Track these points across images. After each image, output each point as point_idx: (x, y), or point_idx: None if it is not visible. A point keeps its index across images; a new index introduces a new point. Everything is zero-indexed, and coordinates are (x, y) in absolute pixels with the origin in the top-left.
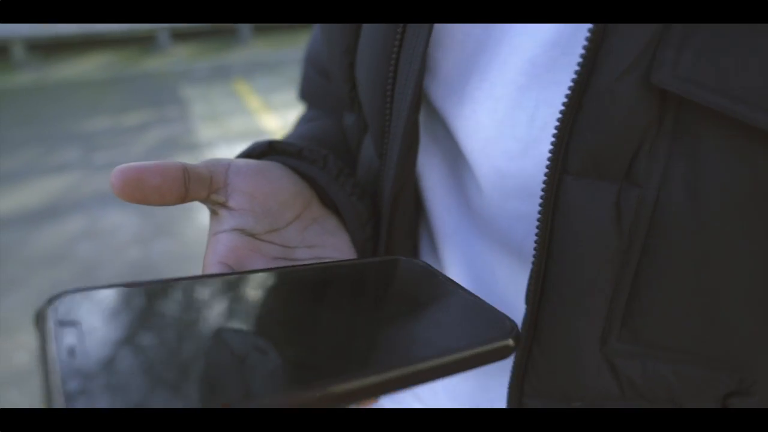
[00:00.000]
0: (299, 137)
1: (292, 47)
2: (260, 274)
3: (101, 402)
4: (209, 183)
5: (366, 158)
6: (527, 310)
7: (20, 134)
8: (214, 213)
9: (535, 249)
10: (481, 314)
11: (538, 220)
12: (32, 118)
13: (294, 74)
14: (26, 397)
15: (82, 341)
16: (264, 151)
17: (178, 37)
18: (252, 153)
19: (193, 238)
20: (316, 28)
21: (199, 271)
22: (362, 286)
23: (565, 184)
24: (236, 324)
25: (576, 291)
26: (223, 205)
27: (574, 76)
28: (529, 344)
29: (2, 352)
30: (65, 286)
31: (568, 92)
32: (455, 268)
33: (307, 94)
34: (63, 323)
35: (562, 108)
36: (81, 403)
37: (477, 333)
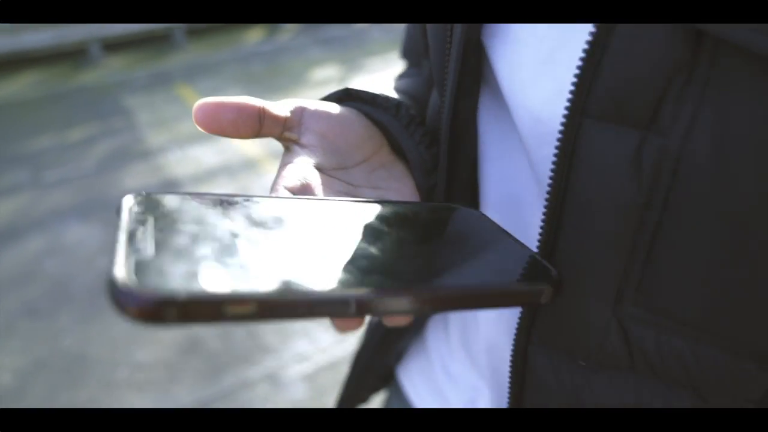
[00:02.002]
0: (386, 89)
1: (229, 48)
2: (321, 202)
3: (154, 281)
4: (283, 122)
5: (434, 100)
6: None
7: None
8: (286, 149)
9: (547, 195)
10: (531, 262)
11: (554, 163)
12: None
13: (235, 74)
14: None
15: (149, 232)
16: (340, 97)
17: (110, 48)
18: (329, 98)
19: None
20: None
21: None
22: (421, 223)
23: (584, 127)
24: (289, 234)
25: (589, 244)
26: (296, 142)
27: None
28: None
29: None
30: (39, 304)
31: (593, 30)
32: (500, 210)
33: (407, 51)
34: (136, 215)
35: (586, 47)
36: (136, 281)
37: (524, 274)
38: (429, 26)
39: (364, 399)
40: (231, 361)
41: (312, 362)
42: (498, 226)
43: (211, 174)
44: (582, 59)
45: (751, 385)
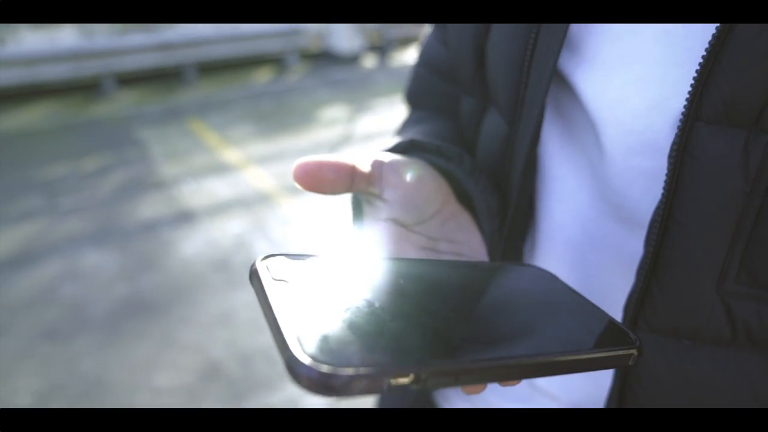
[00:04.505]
0: (428, 137)
1: (239, 86)
2: (420, 262)
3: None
4: (368, 177)
5: (490, 129)
6: (647, 249)
7: None
8: (369, 203)
9: (664, 188)
10: (611, 326)
11: (669, 162)
12: None
13: (245, 110)
14: None
15: (294, 297)
16: (406, 148)
17: (123, 82)
18: (396, 149)
19: (178, 269)
20: (431, 32)
21: (191, 302)
22: (507, 288)
23: (696, 129)
24: (413, 300)
25: (698, 230)
26: (379, 197)
27: (714, 32)
28: (648, 280)
29: (2, 398)
30: (57, 327)
31: (708, 47)
32: (565, 231)
33: (415, 94)
34: (275, 280)
35: (701, 61)
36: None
37: (610, 339)
38: (499, 58)
39: None
40: (252, 387)
41: None
42: (572, 289)
43: (226, 206)
44: (697, 71)
45: None
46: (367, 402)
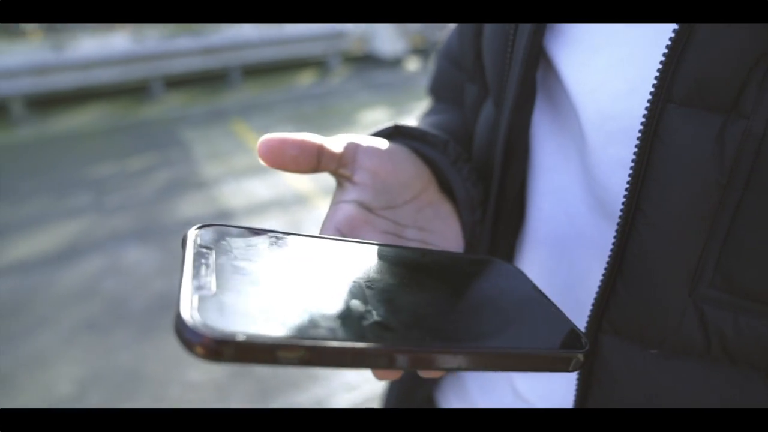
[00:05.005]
0: (425, 125)
1: (281, 89)
2: (367, 245)
3: (217, 319)
4: (339, 158)
5: (485, 117)
6: (615, 241)
7: (30, 185)
8: (339, 184)
9: (630, 176)
10: (563, 327)
11: (636, 146)
12: (39, 169)
13: (287, 113)
14: None
15: (212, 266)
16: (390, 132)
17: (171, 85)
18: (379, 134)
19: None
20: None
21: None
22: (462, 278)
23: (667, 112)
24: (339, 280)
25: (668, 224)
26: (348, 179)
27: None
28: (613, 277)
29: (45, 385)
30: (98, 320)
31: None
32: (553, 225)
33: (436, 86)
34: (200, 248)
35: (672, 35)
36: (202, 317)
37: (557, 340)
38: (488, 40)
39: None
40: (280, 386)
41: (360, 392)
42: (533, 285)
43: (264, 207)
44: (667, 47)
45: None
46: (373, 402)
